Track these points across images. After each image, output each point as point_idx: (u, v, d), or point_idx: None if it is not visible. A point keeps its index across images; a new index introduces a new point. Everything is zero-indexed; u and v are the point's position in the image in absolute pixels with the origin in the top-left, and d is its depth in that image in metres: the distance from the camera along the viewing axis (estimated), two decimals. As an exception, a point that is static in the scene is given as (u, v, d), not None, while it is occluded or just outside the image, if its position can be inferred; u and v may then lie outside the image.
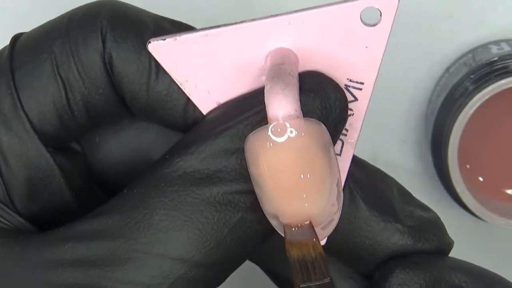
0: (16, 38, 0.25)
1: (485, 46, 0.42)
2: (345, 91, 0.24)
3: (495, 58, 0.40)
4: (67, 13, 0.25)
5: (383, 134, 0.44)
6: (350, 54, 0.23)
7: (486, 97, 0.38)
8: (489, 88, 0.38)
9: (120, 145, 0.27)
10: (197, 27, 0.25)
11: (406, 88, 0.43)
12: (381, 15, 0.23)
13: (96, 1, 0.25)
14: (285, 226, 0.22)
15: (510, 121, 0.42)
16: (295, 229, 0.22)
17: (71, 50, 0.24)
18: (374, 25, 0.23)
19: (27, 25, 0.42)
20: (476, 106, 0.38)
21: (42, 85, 0.24)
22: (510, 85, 0.38)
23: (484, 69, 0.40)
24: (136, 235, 0.22)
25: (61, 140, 0.25)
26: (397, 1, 0.22)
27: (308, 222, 0.22)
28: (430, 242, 0.25)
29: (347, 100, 0.23)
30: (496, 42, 0.42)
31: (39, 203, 0.25)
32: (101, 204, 0.24)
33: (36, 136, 0.24)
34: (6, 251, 0.23)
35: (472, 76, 0.40)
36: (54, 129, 0.24)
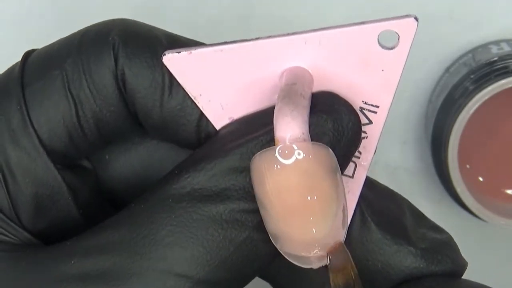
0: (28, 54, 0.25)
1: (485, 46, 0.42)
2: (360, 113, 0.23)
3: (495, 58, 0.40)
4: (80, 30, 0.25)
5: (383, 135, 0.44)
6: (366, 76, 0.23)
7: (486, 97, 0.38)
8: (489, 88, 0.38)
9: (130, 163, 0.27)
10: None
11: (406, 88, 0.43)
12: (399, 39, 0.22)
13: (109, 20, 0.25)
14: (328, 254, 0.22)
15: (510, 121, 0.42)
16: (334, 254, 0.22)
17: (83, 68, 0.24)
18: (392, 48, 0.23)
19: (27, 25, 0.42)
20: (476, 106, 0.38)
21: (52, 102, 0.24)
22: (510, 85, 0.38)
23: (484, 69, 0.40)
24: (141, 250, 0.22)
25: (71, 157, 0.25)
26: (416, 26, 0.22)
27: (339, 242, 0.22)
28: (444, 264, 0.25)
29: (360, 122, 0.23)
30: (496, 42, 0.42)
31: (46, 220, 0.24)
32: None
33: (45, 153, 0.24)
34: (13, 266, 0.23)
35: (472, 76, 0.40)
36: (63, 147, 0.24)
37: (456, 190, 0.40)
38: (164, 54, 0.23)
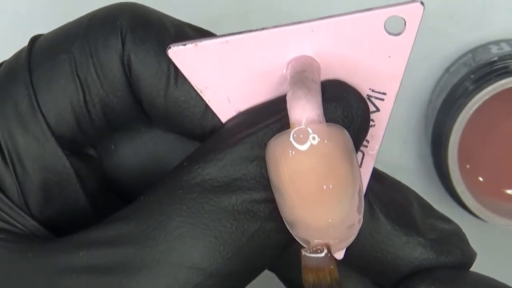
0: (34, 39, 0.25)
1: (485, 46, 0.42)
2: (367, 101, 0.23)
3: (495, 58, 0.40)
4: (87, 14, 0.24)
5: (383, 134, 0.44)
6: (373, 63, 0.23)
7: (486, 97, 0.38)
8: (489, 88, 0.38)
9: (135, 153, 0.26)
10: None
11: (406, 88, 0.43)
12: (405, 24, 0.22)
13: (117, 3, 0.24)
14: (302, 251, 0.22)
15: (510, 121, 0.42)
16: (312, 253, 0.21)
17: (90, 51, 0.23)
18: (398, 34, 0.22)
19: (27, 25, 0.42)
20: (476, 106, 0.38)
21: (60, 86, 0.23)
22: (510, 85, 0.38)
23: (484, 69, 0.40)
24: (151, 243, 0.22)
25: (78, 144, 0.24)
26: (422, 10, 0.22)
27: (326, 248, 0.21)
28: (453, 255, 0.25)
29: (369, 110, 0.23)
30: (496, 42, 0.42)
31: (54, 207, 0.24)
32: (117, 210, 0.23)
33: (53, 138, 0.24)
34: (19, 256, 0.23)
35: (472, 76, 0.40)
36: (71, 132, 0.24)
37: (456, 190, 0.40)
38: (169, 47, 0.23)
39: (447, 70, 0.42)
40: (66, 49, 0.24)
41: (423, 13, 0.22)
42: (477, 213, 0.40)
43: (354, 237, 0.22)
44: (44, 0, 0.41)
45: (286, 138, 0.21)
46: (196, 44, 0.23)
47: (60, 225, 0.24)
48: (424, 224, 0.25)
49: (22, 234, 0.24)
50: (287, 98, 0.22)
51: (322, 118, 0.21)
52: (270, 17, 0.41)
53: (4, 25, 0.42)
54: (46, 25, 0.42)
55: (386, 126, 0.24)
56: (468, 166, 0.42)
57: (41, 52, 0.24)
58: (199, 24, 0.42)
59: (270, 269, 0.27)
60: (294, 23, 0.23)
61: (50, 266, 0.23)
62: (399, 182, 0.27)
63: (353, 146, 0.21)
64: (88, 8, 0.41)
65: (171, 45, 0.23)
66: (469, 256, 0.26)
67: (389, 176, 0.26)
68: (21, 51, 0.24)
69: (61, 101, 0.24)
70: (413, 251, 0.25)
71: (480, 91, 0.38)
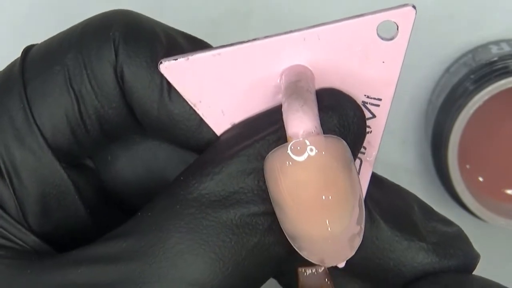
0: (27, 50, 0.24)
1: (485, 46, 0.42)
2: (363, 107, 0.23)
3: (495, 58, 0.40)
4: (80, 23, 0.24)
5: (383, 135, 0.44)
6: (367, 69, 0.23)
7: (486, 97, 0.38)
8: (489, 88, 0.38)
9: (132, 163, 0.26)
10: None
11: (406, 88, 0.43)
12: (398, 29, 0.22)
13: (110, 11, 0.24)
14: (298, 270, 0.22)
15: (510, 121, 0.42)
16: (309, 273, 0.22)
17: (84, 63, 0.23)
18: (391, 39, 0.22)
19: (27, 25, 0.42)
20: (476, 106, 0.38)
21: (54, 98, 0.23)
22: (510, 85, 0.38)
23: (484, 69, 0.40)
24: (151, 259, 0.22)
25: (74, 156, 0.24)
26: (414, 14, 0.22)
27: (323, 268, 0.21)
28: (456, 258, 0.25)
29: (365, 117, 0.23)
30: (496, 42, 0.42)
31: (53, 221, 0.24)
32: (116, 222, 0.23)
33: (50, 151, 0.23)
34: (18, 273, 0.23)
35: (472, 76, 0.40)
36: (67, 144, 0.24)
37: (456, 190, 0.40)
38: (161, 62, 0.23)
39: (447, 70, 0.42)
40: (60, 60, 0.23)
41: (415, 17, 0.22)
42: (477, 213, 0.40)
43: (356, 248, 0.22)
44: (44, 0, 0.41)
45: (284, 151, 0.21)
46: (188, 58, 0.23)
47: (60, 239, 0.24)
48: (425, 227, 0.25)
49: (22, 250, 0.24)
50: (283, 110, 0.21)
51: (319, 129, 0.21)
52: (270, 17, 0.41)
53: (4, 25, 0.42)
54: (46, 25, 0.42)
55: (383, 132, 0.24)
56: (468, 166, 0.42)
57: (34, 64, 0.24)
58: (200, 24, 0.42)
59: (274, 277, 0.27)
60: (285, 32, 0.23)
61: (49, 284, 0.22)
62: (398, 186, 0.26)
63: (351, 156, 0.21)
64: (87, 9, 0.41)
65: (162, 60, 0.23)
66: (473, 258, 0.25)
67: (387, 180, 0.26)
68: (14, 63, 0.24)
69: (56, 113, 0.23)
70: (415, 256, 0.25)
71: (480, 91, 0.38)
